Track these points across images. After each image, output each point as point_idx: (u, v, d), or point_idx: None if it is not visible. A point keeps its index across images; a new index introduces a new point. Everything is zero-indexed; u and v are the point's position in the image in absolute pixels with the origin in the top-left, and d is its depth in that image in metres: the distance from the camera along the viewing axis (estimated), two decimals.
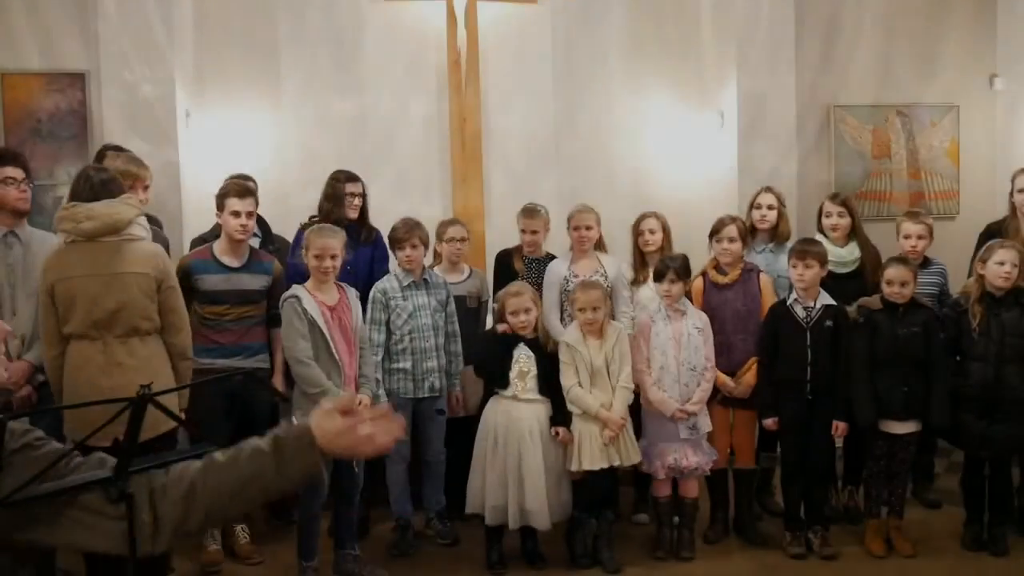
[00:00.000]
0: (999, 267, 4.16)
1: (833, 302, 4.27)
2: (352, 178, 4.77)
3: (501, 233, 5.29)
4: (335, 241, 4.00)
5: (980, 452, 4.24)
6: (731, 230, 4.41)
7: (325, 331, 3.93)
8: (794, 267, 4.26)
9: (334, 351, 3.96)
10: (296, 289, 4.01)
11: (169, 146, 5.12)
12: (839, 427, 4.26)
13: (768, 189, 4.85)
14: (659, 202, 5.59)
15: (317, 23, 5.51)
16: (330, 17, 5.52)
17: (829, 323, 4.22)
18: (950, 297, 4.61)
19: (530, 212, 4.83)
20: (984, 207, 5.93)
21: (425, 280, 4.46)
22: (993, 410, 4.16)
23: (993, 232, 4.84)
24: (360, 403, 3.76)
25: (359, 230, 4.74)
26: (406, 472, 4.46)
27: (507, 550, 4.24)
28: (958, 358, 4.30)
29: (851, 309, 4.31)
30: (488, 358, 4.26)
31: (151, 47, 5.11)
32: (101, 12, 5.10)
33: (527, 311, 4.16)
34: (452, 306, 4.54)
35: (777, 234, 4.79)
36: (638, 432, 4.33)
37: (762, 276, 4.48)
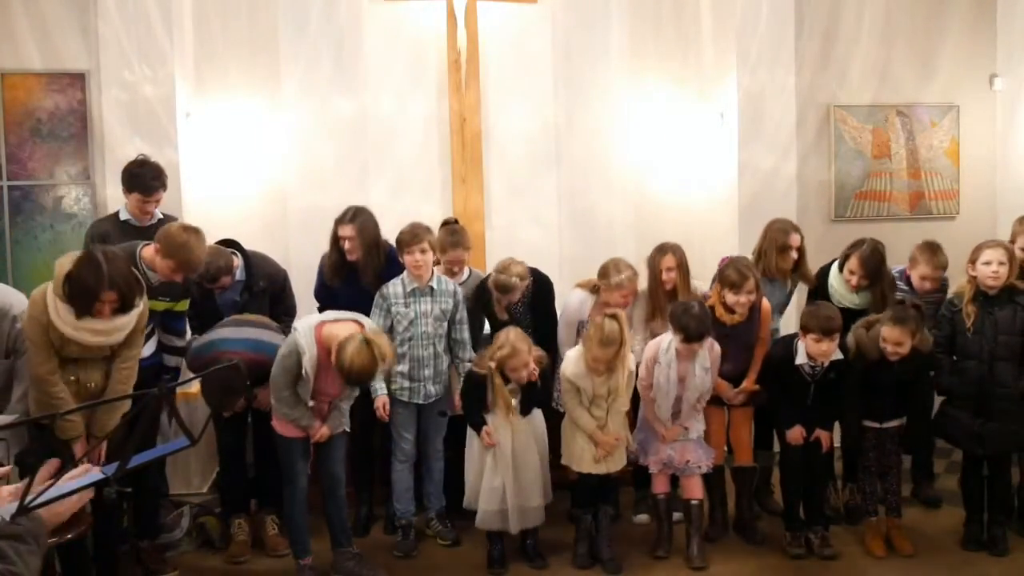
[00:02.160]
0: (986, 267, 4.18)
1: (840, 356, 4.16)
2: (343, 219, 4.49)
3: (501, 233, 5.29)
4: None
5: (975, 450, 4.25)
6: (751, 284, 4.25)
7: (311, 381, 3.83)
8: (817, 342, 4.08)
9: (310, 399, 3.90)
10: (308, 344, 3.79)
11: (169, 146, 5.12)
12: (821, 435, 4.26)
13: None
14: (659, 202, 5.61)
15: (317, 23, 5.51)
16: (330, 17, 5.52)
17: (833, 375, 4.19)
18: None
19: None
20: (984, 207, 5.95)
21: (431, 287, 4.37)
22: (987, 408, 4.18)
23: None
24: (318, 433, 3.96)
25: (365, 273, 4.53)
26: (410, 472, 4.47)
27: (507, 549, 4.23)
28: (954, 357, 4.31)
29: (849, 340, 4.21)
30: (484, 390, 4.14)
31: (151, 47, 5.12)
32: (101, 12, 5.11)
33: (526, 366, 4.08)
34: (462, 313, 4.44)
35: (802, 275, 4.72)
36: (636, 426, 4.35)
37: (763, 301, 4.42)
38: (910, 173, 6.19)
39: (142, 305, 3.70)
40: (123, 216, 4.59)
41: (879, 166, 6.15)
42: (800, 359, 4.19)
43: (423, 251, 4.28)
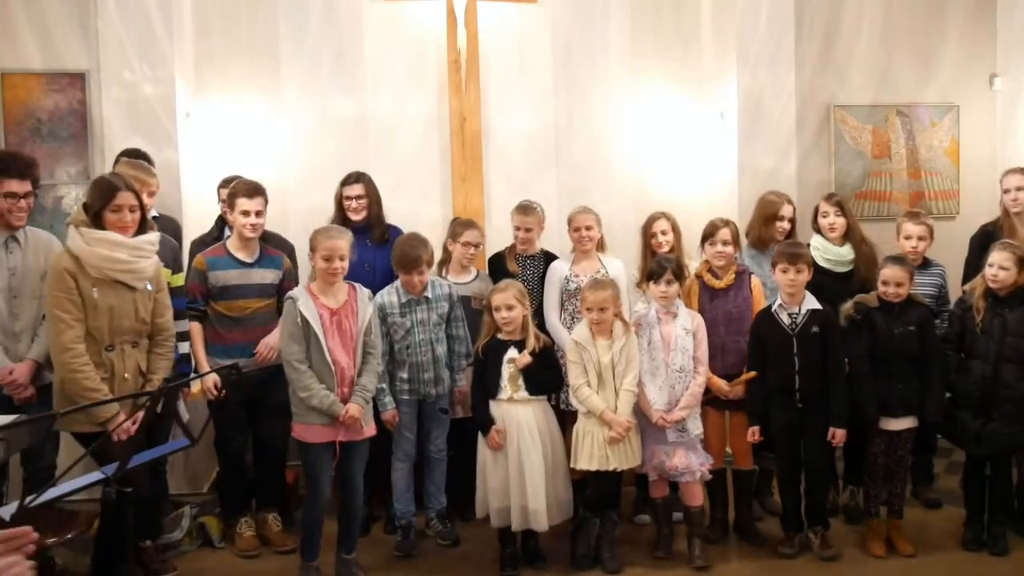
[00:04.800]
0: (989, 268, 4.20)
1: (818, 306, 4.21)
2: (350, 180, 4.80)
3: (501, 233, 5.28)
4: (343, 242, 3.91)
5: (977, 450, 4.24)
6: (724, 233, 4.41)
7: (320, 335, 3.83)
8: (784, 271, 4.18)
9: (327, 355, 3.85)
10: (297, 290, 3.97)
11: (169, 146, 5.12)
12: (836, 434, 4.18)
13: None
14: (659, 202, 5.59)
15: (317, 23, 5.51)
16: (330, 17, 5.52)
17: (816, 329, 4.16)
18: (948, 300, 4.61)
19: (524, 209, 4.81)
20: (984, 207, 5.93)
21: (426, 297, 4.37)
22: (990, 408, 4.16)
23: (987, 232, 4.86)
24: (346, 413, 3.86)
25: (371, 231, 4.76)
26: (410, 472, 4.47)
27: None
28: (962, 355, 4.30)
29: (847, 306, 4.28)
30: (485, 371, 4.17)
31: (151, 47, 5.11)
32: (101, 12, 5.11)
33: (509, 308, 4.10)
34: (459, 311, 4.48)
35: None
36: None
37: (753, 279, 4.47)
38: (910, 173, 6.20)
39: (157, 258, 3.82)
40: None
41: (879, 166, 6.16)
42: (776, 304, 4.21)
43: (420, 273, 4.32)
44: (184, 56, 5.33)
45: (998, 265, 4.15)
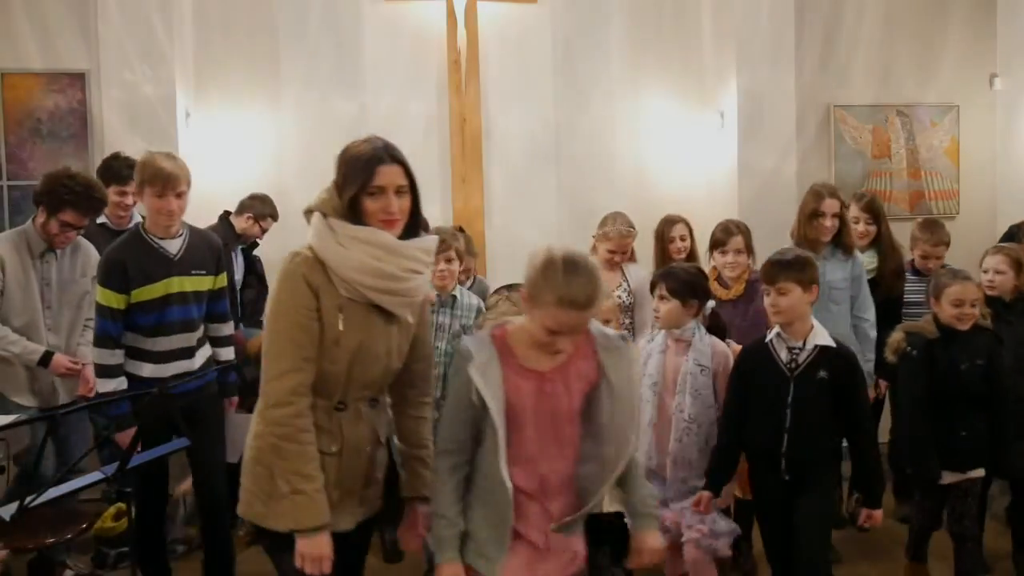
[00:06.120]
0: (984, 275, 3.95)
1: (830, 342, 3.04)
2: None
3: (501, 233, 5.30)
4: (587, 314, 2.22)
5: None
6: (738, 242, 4.05)
7: (499, 426, 2.22)
8: (765, 294, 3.09)
9: (502, 465, 2.22)
10: (477, 341, 2.33)
11: (169, 146, 5.09)
12: (874, 516, 3.09)
13: (833, 194, 4.19)
14: (659, 202, 5.62)
15: (317, 23, 5.52)
16: (330, 17, 5.53)
17: (824, 374, 2.99)
18: None
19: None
20: (984, 207, 5.96)
21: (453, 297, 3.89)
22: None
23: (1011, 234, 4.78)
24: None
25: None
26: None
27: None
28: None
29: (897, 337, 3.59)
30: None
31: (151, 47, 5.12)
32: (101, 12, 5.12)
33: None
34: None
35: (842, 242, 4.21)
36: None
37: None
38: (910, 173, 6.20)
39: (428, 274, 2.48)
40: (99, 219, 4.48)
41: (879, 166, 6.16)
42: (772, 333, 3.12)
43: (448, 260, 3.79)
44: (184, 56, 5.34)
45: (993, 270, 3.93)
